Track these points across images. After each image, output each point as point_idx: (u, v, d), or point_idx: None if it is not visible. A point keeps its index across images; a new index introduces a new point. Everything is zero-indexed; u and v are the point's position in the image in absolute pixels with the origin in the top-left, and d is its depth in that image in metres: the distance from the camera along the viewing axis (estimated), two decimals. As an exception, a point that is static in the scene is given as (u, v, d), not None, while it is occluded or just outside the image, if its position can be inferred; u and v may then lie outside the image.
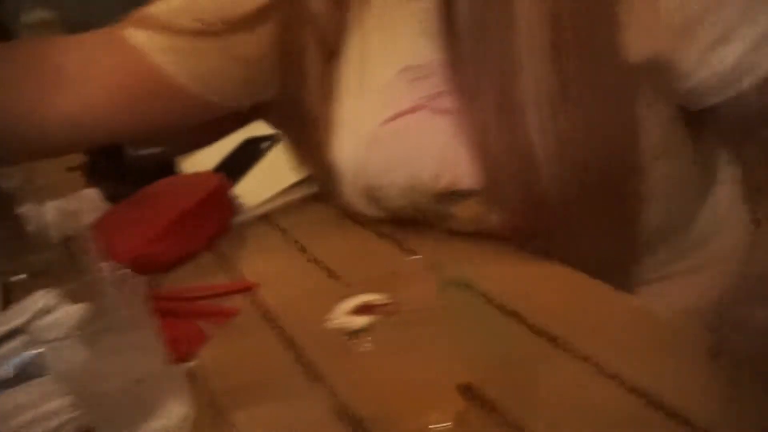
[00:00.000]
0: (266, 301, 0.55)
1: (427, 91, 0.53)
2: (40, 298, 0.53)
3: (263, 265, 0.63)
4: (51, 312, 0.51)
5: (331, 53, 0.58)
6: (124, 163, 0.82)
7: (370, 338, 0.36)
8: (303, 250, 0.63)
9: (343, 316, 0.37)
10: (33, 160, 0.70)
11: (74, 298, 0.48)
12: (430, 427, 0.37)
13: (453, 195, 0.54)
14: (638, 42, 0.47)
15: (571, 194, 0.50)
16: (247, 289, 0.57)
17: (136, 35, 0.59)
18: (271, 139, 0.90)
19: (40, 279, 0.69)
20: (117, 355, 0.39)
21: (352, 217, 0.65)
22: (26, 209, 0.74)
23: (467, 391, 0.39)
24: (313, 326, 0.46)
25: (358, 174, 0.58)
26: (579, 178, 0.49)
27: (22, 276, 0.70)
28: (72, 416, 0.42)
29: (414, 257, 0.40)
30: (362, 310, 0.38)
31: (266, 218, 0.73)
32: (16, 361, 0.47)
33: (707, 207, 0.59)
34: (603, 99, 0.49)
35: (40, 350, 0.46)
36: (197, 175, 0.78)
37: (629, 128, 0.50)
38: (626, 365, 0.38)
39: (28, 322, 0.50)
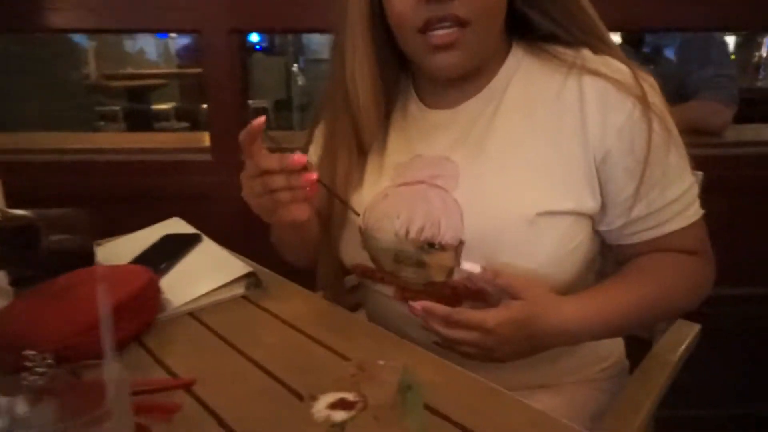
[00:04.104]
0: (207, 399, 0.57)
1: (429, 173, 0.73)
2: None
3: (196, 361, 0.65)
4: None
5: (362, 148, 0.78)
6: (39, 248, 0.79)
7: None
8: (236, 349, 0.66)
9: (325, 409, 0.43)
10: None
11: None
12: None
13: (430, 246, 0.69)
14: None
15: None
16: (187, 385, 0.59)
17: None
18: (194, 239, 0.93)
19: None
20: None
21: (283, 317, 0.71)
22: None
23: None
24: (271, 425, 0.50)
25: (367, 216, 0.75)
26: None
27: None
28: None
29: (380, 362, 0.47)
30: (339, 405, 0.44)
31: (191, 315, 0.75)
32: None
33: None
34: None
35: None
36: (123, 268, 0.78)
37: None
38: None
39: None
